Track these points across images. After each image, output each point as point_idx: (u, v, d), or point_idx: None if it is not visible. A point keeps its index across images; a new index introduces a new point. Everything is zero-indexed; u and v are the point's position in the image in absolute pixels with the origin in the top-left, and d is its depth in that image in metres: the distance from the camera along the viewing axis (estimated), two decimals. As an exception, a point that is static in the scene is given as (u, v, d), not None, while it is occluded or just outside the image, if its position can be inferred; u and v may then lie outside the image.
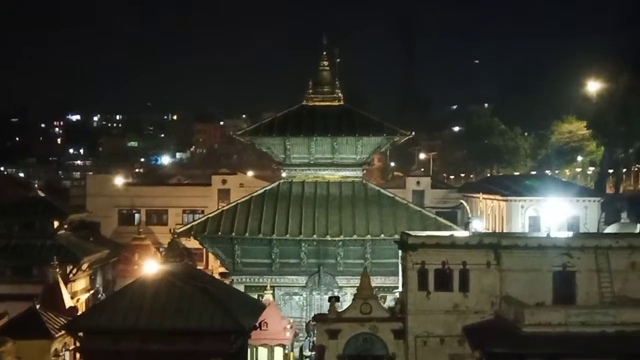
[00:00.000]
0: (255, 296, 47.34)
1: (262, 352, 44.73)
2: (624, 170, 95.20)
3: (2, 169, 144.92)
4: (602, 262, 36.76)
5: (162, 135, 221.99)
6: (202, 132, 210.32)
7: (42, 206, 57.45)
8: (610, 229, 54.29)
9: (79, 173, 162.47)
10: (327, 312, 38.91)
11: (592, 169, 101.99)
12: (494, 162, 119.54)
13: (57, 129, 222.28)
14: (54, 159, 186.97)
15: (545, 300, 36.28)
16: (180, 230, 50.73)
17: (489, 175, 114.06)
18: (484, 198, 67.65)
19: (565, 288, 36.83)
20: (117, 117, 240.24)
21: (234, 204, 53.20)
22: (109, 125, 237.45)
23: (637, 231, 51.58)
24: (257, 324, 41.35)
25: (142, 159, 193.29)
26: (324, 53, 56.35)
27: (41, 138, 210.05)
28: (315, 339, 41.84)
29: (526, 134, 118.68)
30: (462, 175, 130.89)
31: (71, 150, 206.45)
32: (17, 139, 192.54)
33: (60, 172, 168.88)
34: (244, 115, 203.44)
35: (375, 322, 37.84)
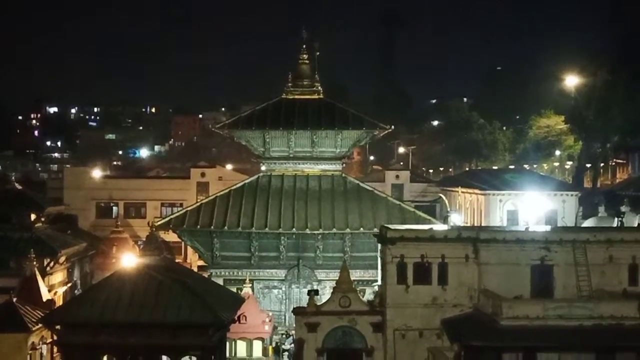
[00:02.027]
0: (234, 289, 47.27)
1: (241, 346, 44.69)
2: (602, 164, 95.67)
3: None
4: (580, 255, 37.04)
5: (141, 127, 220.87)
6: (181, 124, 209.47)
7: (19, 199, 57.03)
8: (588, 223, 54.63)
9: (56, 166, 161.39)
10: (306, 306, 38.91)
11: (570, 163, 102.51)
12: (473, 156, 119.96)
13: (34, 121, 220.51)
14: (31, 152, 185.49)
15: (523, 293, 36.50)
16: (159, 223, 50.54)
17: (467, 169, 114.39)
18: (462, 192, 67.83)
19: (543, 281, 37.11)
20: (95, 109, 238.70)
21: (213, 197, 53.09)
22: (87, 117, 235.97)
23: (615, 225, 51.93)
24: (236, 318, 41.24)
25: (120, 152, 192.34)
26: (304, 46, 56.28)
27: (18, 130, 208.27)
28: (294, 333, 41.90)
29: (505, 128, 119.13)
30: (441, 169, 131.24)
31: (48, 143, 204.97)
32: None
33: (37, 164, 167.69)
34: (223, 108, 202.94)
35: (354, 316, 37.93)
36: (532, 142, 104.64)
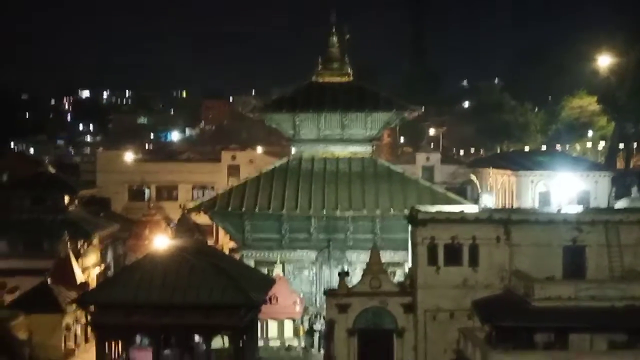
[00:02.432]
0: (265, 271, 47.52)
1: (272, 326, 45.02)
2: (635, 145, 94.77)
3: (12, 145, 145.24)
4: (612, 236, 36.77)
5: (172, 111, 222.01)
6: (211, 108, 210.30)
7: (52, 182, 57.85)
8: (621, 204, 54.13)
9: (89, 149, 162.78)
10: (337, 287, 39.05)
11: (602, 144, 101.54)
12: (504, 138, 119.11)
13: (67, 106, 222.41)
14: (65, 136, 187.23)
15: (555, 274, 36.33)
16: (191, 206, 50.86)
17: (499, 150, 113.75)
18: (494, 173, 67.53)
19: (575, 262, 36.88)
20: (127, 93, 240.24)
21: (244, 180, 53.25)
22: (119, 101, 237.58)
23: (647, 206, 51.39)
24: (267, 298, 41.57)
25: (152, 136, 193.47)
26: (333, 29, 56.12)
27: (51, 115, 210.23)
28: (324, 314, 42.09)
29: (536, 109, 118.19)
30: (472, 151, 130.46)
31: (81, 127, 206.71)
32: (27, 115, 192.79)
33: (70, 148, 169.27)
34: (252, 92, 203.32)
35: (385, 297, 37.98)
36: (564, 123, 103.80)
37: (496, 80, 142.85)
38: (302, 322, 46.09)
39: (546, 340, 33.42)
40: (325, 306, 40.07)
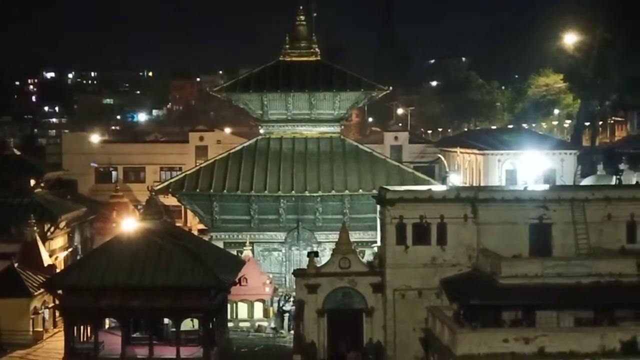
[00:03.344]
0: (235, 252, 47.47)
1: (242, 308, 45.10)
2: (600, 122, 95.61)
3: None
4: (578, 214, 37.15)
5: (138, 92, 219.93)
6: (179, 88, 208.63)
7: (18, 164, 57.11)
8: (587, 181, 54.77)
9: (54, 131, 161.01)
10: (306, 268, 39.12)
11: (568, 121, 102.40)
12: (472, 117, 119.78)
13: (31, 87, 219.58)
14: (29, 117, 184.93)
15: (522, 252, 36.65)
16: (158, 187, 50.60)
17: (466, 129, 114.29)
18: (461, 152, 67.89)
19: (542, 240, 37.24)
20: (92, 74, 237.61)
21: (212, 160, 53.10)
22: (84, 82, 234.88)
23: (613, 183, 52.04)
24: (236, 280, 41.57)
25: (118, 116, 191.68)
26: (301, 7, 55.91)
27: (16, 96, 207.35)
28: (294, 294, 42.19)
29: (503, 87, 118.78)
30: (440, 129, 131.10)
31: (46, 108, 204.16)
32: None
33: (35, 130, 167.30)
34: (220, 72, 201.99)
35: (354, 277, 38.12)
36: (530, 101, 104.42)
37: (463, 59, 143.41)
38: (271, 304, 46.18)
39: (513, 317, 33.74)
40: (294, 287, 40.17)
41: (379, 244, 40.40)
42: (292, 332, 42.12)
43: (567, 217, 37.26)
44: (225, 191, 50.01)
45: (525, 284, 33.71)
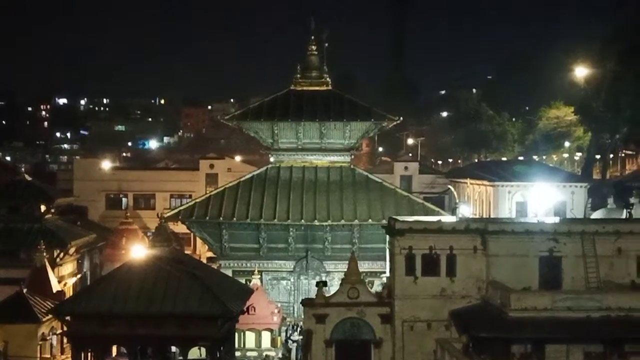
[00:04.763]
0: (243, 281, 47.38)
1: (250, 337, 44.87)
2: (611, 155, 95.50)
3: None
4: (588, 247, 36.99)
5: (150, 119, 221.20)
6: (190, 116, 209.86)
7: (29, 190, 57.20)
8: (597, 215, 54.54)
9: (66, 157, 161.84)
10: (314, 297, 38.99)
11: (579, 154, 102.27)
12: (482, 148, 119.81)
13: (44, 113, 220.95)
14: (41, 143, 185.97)
15: (531, 285, 36.47)
16: (168, 214, 50.68)
17: (476, 160, 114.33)
18: (471, 183, 67.79)
19: (552, 273, 37.06)
20: (104, 100, 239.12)
21: (222, 188, 53.17)
22: (96, 109, 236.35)
23: (623, 217, 51.83)
24: (244, 309, 41.42)
25: (130, 143, 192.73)
26: (312, 37, 56.24)
27: (28, 121, 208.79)
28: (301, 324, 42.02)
29: (514, 119, 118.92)
30: (450, 160, 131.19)
31: (58, 134, 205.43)
32: (3, 122, 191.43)
33: (47, 155, 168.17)
34: (232, 100, 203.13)
35: (363, 307, 37.98)
36: (541, 134, 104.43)
37: (474, 90, 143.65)
38: (279, 333, 45.99)
39: (523, 351, 33.51)
40: (302, 316, 40.01)
41: (387, 274, 40.26)
42: (299, 362, 41.92)
43: (577, 250, 37.11)
44: (234, 219, 50.03)
45: (535, 317, 33.51)
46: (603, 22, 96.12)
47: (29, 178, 59.88)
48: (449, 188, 69.36)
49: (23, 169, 62.62)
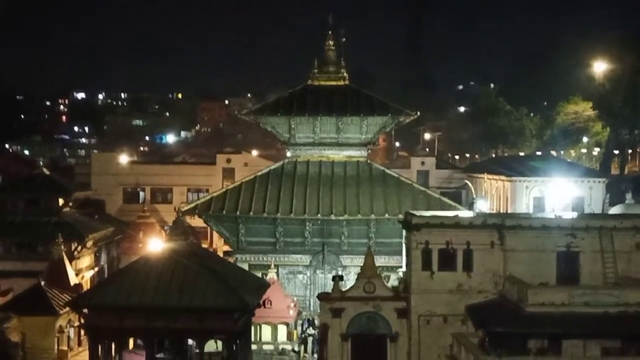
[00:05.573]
0: (259, 275, 47.47)
1: (266, 330, 44.95)
2: (629, 151, 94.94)
3: (7, 147, 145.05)
4: (606, 242, 36.81)
5: (167, 113, 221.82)
6: (207, 111, 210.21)
7: (47, 184, 57.64)
8: (615, 210, 54.25)
9: (84, 151, 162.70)
10: (330, 291, 39.01)
11: (597, 149, 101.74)
12: (499, 143, 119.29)
13: (62, 107, 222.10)
14: (59, 137, 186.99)
15: (549, 280, 36.36)
16: (185, 208, 50.80)
17: (494, 155, 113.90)
18: (488, 178, 67.61)
19: (569, 268, 36.92)
20: (122, 95, 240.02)
21: (239, 183, 53.22)
22: (114, 103, 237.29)
23: (642, 212, 51.47)
24: (261, 302, 41.51)
25: (147, 138, 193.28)
26: (330, 32, 56.14)
27: (46, 116, 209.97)
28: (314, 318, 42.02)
29: (532, 114, 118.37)
30: (467, 155, 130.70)
31: (76, 129, 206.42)
32: (22, 117, 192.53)
33: (65, 150, 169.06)
34: (248, 94, 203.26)
35: (379, 301, 37.97)
36: (559, 129, 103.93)
37: (492, 85, 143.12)
38: (295, 327, 46.04)
39: (539, 346, 33.41)
40: (319, 310, 40.05)
41: (404, 269, 40.23)
42: (315, 356, 41.97)
43: (595, 246, 36.93)
44: (251, 213, 50.08)
45: (552, 312, 33.39)
46: (622, 17, 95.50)
47: (47, 172, 60.33)
48: (466, 183, 69.20)
49: (41, 163, 63.04)
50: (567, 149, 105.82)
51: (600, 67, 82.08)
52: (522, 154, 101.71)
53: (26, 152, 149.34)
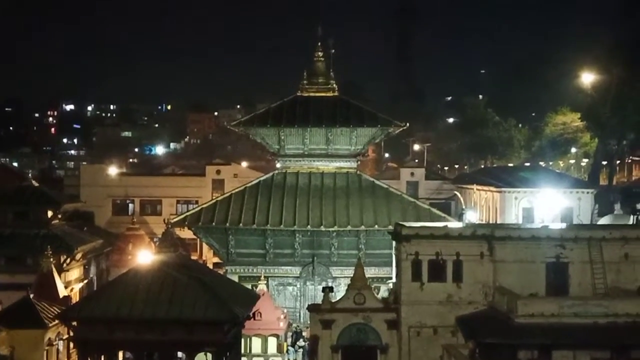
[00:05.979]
0: (249, 286, 47.39)
1: (256, 342, 44.86)
2: (618, 162, 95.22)
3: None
4: (595, 253, 36.93)
5: (156, 125, 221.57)
6: (197, 122, 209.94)
7: (36, 196, 57.35)
8: (604, 221, 54.49)
9: (72, 163, 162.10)
10: (321, 303, 38.98)
11: (585, 160, 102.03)
12: (488, 154, 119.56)
13: (51, 119, 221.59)
14: (48, 149, 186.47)
15: (538, 291, 36.44)
16: (175, 220, 50.77)
17: (483, 166, 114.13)
18: (477, 189, 67.74)
19: (559, 279, 37.01)
20: (111, 107, 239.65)
21: (228, 194, 53.26)
22: (103, 115, 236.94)
23: (630, 222, 51.75)
24: (251, 314, 41.44)
25: (136, 149, 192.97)
26: (319, 44, 56.34)
27: (35, 128, 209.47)
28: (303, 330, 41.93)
29: (520, 125, 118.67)
30: (456, 166, 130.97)
31: (65, 140, 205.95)
32: (11, 128, 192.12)
33: (54, 161, 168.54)
34: (238, 106, 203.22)
35: (369, 313, 37.97)
36: (547, 140, 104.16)
37: (480, 96, 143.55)
38: (285, 338, 45.97)
39: (529, 357, 33.44)
40: (309, 322, 40.00)
41: (394, 280, 40.25)
42: (306, 367, 41.89)
43: (584, 257, 37.05)
44: (241, 225, 50.10)
45: (541, 323, 33.47)
46: (610, 29, 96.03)
47: (36, 184, 60.04)
48: (456, 194, 69.32)
49: (30, 175, 62.85)
50: (555, 159, 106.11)
51: (588, 78, 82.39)
52: (511, 164, 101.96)
53: (15, 164, 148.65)
